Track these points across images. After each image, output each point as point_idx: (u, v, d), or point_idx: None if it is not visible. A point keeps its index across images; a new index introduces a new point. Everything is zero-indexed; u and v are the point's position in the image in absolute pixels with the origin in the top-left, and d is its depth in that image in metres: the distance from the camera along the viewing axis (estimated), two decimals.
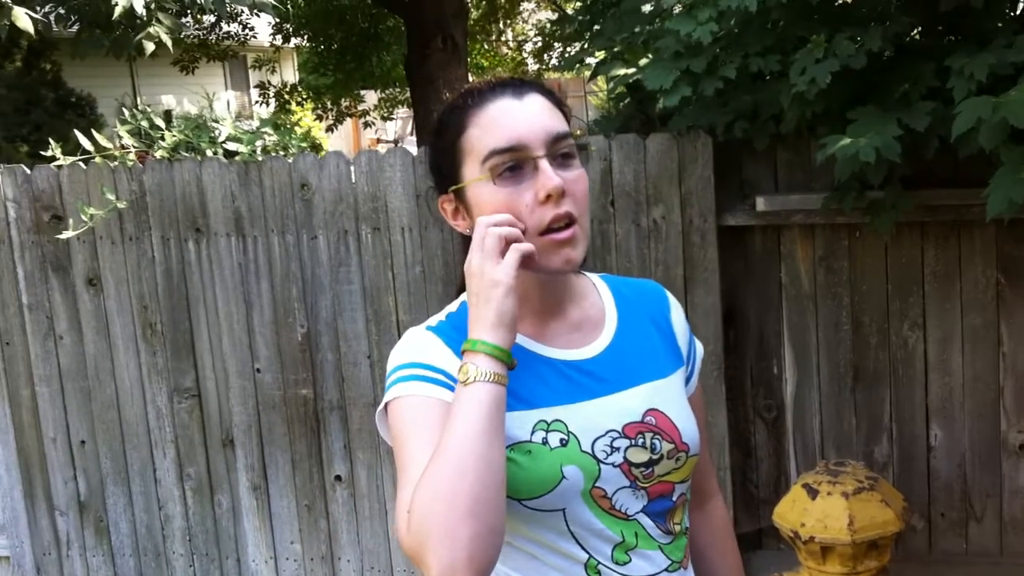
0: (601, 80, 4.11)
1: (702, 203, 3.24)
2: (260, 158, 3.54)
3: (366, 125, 12.53)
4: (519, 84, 1.45)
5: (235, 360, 3.68)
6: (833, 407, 3.31)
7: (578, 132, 3.21)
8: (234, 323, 3.66)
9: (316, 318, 3.57)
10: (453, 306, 1.54)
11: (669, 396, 1.51)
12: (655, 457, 1.45)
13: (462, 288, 1.52)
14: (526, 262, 1.38)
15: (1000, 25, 2.88)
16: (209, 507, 3.81)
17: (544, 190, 1.37)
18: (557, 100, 1.48)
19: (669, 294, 1.63)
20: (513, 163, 1.39)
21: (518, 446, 1.38)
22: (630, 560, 1.44)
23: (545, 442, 1.39)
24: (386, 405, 1.43)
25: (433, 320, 1.52)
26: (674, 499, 1.48)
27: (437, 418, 1.36)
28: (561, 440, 1.40)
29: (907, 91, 2.76)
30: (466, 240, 1.46)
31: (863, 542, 2.84)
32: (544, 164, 1.38)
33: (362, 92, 11.97)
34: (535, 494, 1.38)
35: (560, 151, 1.41)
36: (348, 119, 12.49)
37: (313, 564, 3.74)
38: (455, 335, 1.45)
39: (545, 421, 1.40)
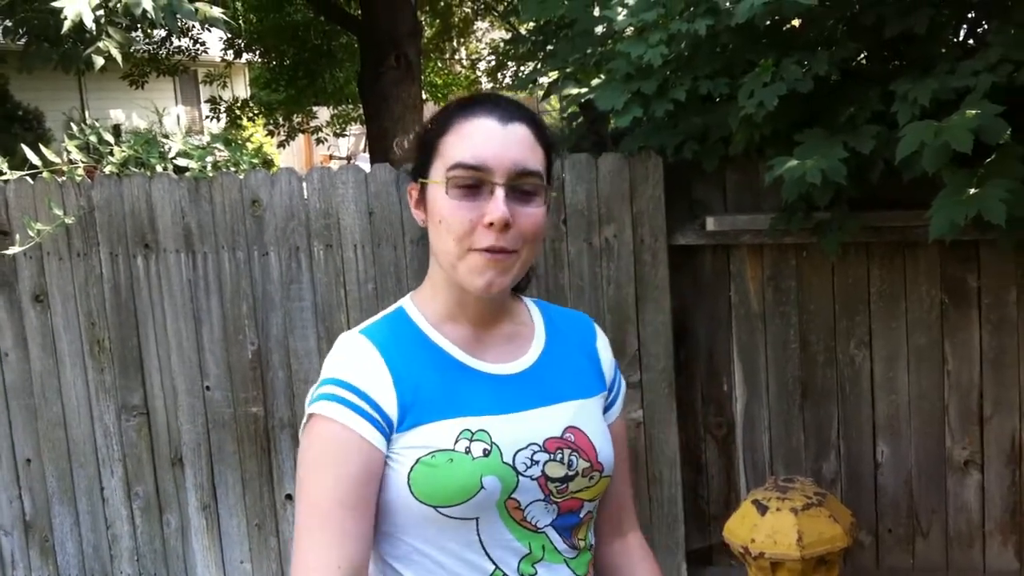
0: (554, 99, 4.14)
1: (653, 223, 3.27)
2: (211, 174, 3.52)
3: (318, 141, 12.47)
4: (511, 110, 1.49)
5: (184, 378, 3.65)
6: (782, 424, 3.36)
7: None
8: (183, 340, 3.63)
9: (267, 335, 3.54)
10: (390, 309, 1.57)
11: (589, 416, 1.56)
12: (571, 473, 1.48)
13: None
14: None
15: (943, 51, 2.95)
16: (158, 527, 3.76)
17: (489, 216, 1.41)
18: (545, 138, 1.51)
19: (597, 327, 1.69)
20: (472, 181, 1.42)
21: (440, 453, 1.41)
22: (536, 572, 1.47)
23: (468, 451, 1.41)
24: (306, 419, 1.45)
25: (371, 321, 1.54)
26: (581, 515, 1.52)
27: (346, 459, 1.39)
28: (484, 450, 1.42)
29: (853, 115, 2.81)
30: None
31: (812, 558, 2.87)
32: (499, 192, 1.41)
33: (314, 108, 11.92)
34: (452, 502, 1.40)
35: (523, 186, 1.44)
36: (300, 135, 12.43)
37: None
38: (394, 347, 1.47)
39: (470, 430, 1.43)
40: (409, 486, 1.40)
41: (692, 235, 3.31)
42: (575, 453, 1.49)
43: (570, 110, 3.53)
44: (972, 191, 2.43)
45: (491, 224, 1.41)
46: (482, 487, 1.40)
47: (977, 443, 3.21)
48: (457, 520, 1.41)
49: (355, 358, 1.45)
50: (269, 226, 3.50)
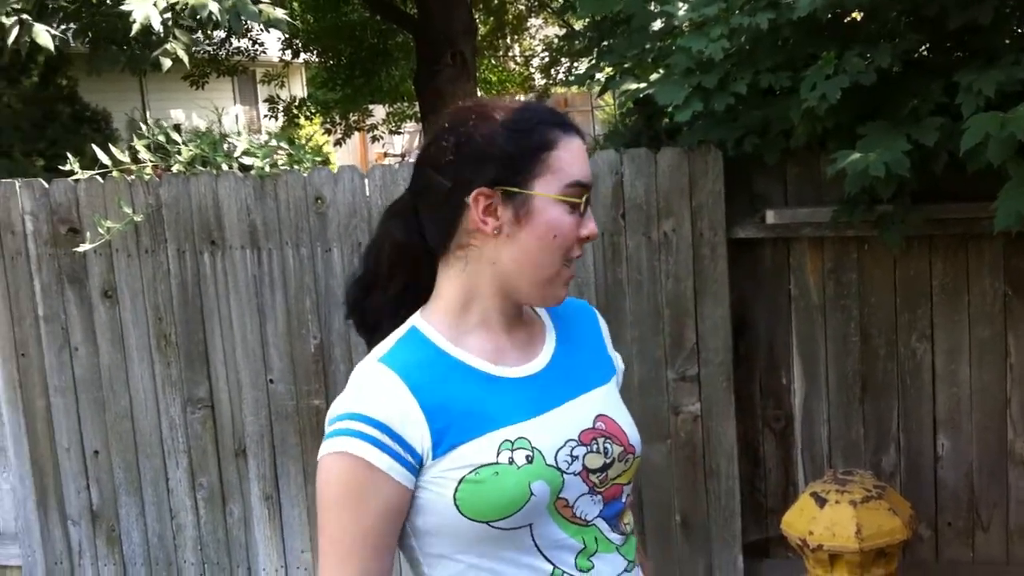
0: (608, 95, 4.15)
1: (712, 216, 3.28)
2: (275, 172, 3.59)
3: (373, 139, 12.58)
4: (577, 127, 1.53)
5: (248, 371, 3.72)
6: (841, 417, 3.35)
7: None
8: (248, 334, 3.70)
9: (329, 329, 3.61)
10: (401, 331, 1.51)
11: (613, 401, 1.59)
12: (608, 461, 1.49)
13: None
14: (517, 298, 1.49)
15: (1008, 42, 2.92)
16: (221, 516, 3.84)
17: (589, 232, 1.48)
18: None
19: (596, 310, 1.71)
20: (584, 199, 1.48)
21: (484, 468, 1.40)
22: (593, 566, 1.48)
23: (511, 461, 1.41)
24: (325, 453, 1.41)
25: (386, 347, 1.49)
26: (623, 500, 1.54)
27: (368, 497, 1.38)
28: (527, 457, 1.42)
29: (916, 107, 2.80)
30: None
31: (871, 550, 2.87)
32: (590, 210, 1.49)
33: (370, 106, 12.03)
34: (505, 514, 1.40)
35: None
36: (356, 133, 12.55)
37: None
38: (418, 372, 1.44)
39: (509, 440, 1.43)
40: (457, 507, 1.39)
41: (752, 228, 3.32)
42: (609, 440, 1.51)
43: (627, 106, 3.55)
44: None
45: (587, 239, 1.48)
46: (532, 494, 1.41)
47: None
48: (511, 531, 1.41)
49: (378, 391, 1.42)
50: (332, 223, 3.56)
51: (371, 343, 1.54)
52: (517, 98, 13.90)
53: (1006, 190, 2.45)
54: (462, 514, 1.40)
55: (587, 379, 1.57)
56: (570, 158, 1.47)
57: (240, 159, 3.66)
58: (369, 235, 3.53)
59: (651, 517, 3.47)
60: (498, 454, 1.41)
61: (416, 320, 1.52)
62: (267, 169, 3.64)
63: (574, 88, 4.61)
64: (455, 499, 1.40)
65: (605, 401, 1.57)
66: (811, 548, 2.93)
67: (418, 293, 1.54)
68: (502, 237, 1.46)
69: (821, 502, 2.97)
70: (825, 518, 2.94)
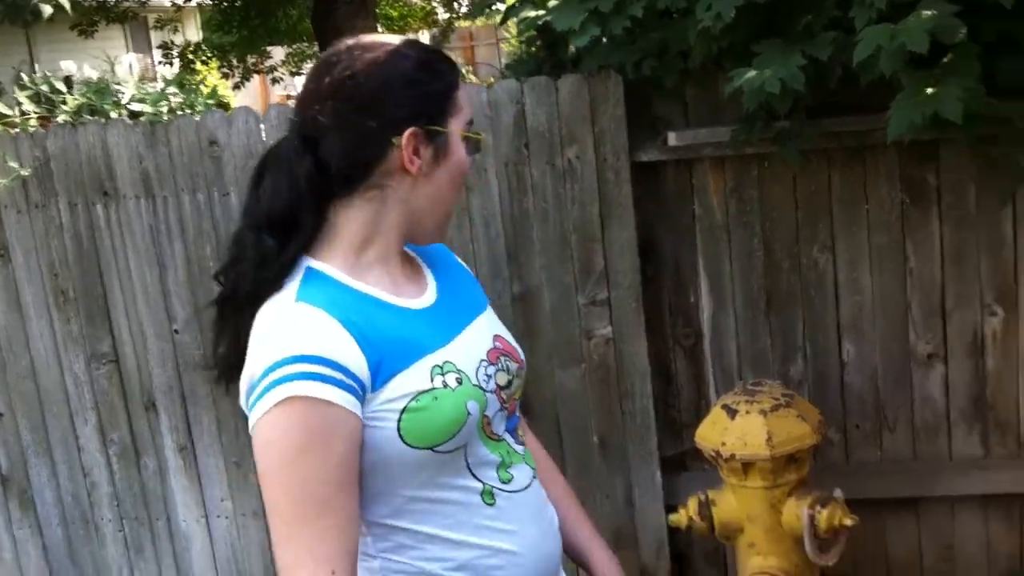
0: (511, 25, 4.11)
1: (615, 141, 3.28)
2: (166, 118, 3.48)
3: (274, 81, 12.26)
4: None
5: (152, 323, 3.64)
6: (749, 331, 3.42)
7: (491, 80, 3.26)
8: (148, 285, 3.61)
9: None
10: (296, 275, 1.46)
11: (498, 321, 1.67)
12: (511, 378, 1.58)
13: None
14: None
15: None
16: (135, 471, 3.77)
17: (468, 170, 1.57)
18: None
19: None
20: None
21: (423, 394, 1.41)
22: (512, 477, 1.54)
23: (445, 384, 1.44)
24: (269, 407, 1.32)
25: (293, 290, 1.43)
26: (518, 414, 1.63)
27: (337, 438, 1.33)
28: (457, 379, 1.46)
29: (810, 22, 2.82)
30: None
31: (781, 456, 2.96)
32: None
33: (269, 48, 11.70)
34: (447, 437, 1.42)
35: None
36: (256, 76, 12.21)
37: (245, 520, 3.75)
38: (338, 307, 1.40)
39: (438, 365, 1.45)
40: (402, 437, 1.39)
41: (654, 151, 3.33)
42: (508, 357, 1.59)
43: (527, 34, 3.51)
44: (929, 91, 2.46)
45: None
46: (469, 413, 1.45)
47: (940, 337, 3.29)
48: (449, 454, 1.45)
49: (310, 327, 1.36)
50: (228, 166, 3.47)
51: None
52: (420, 34, 13.70)
53: (898, 100, 2.49)
54: (407, 443, 1.40)
55: (474, 305, 1.64)
56: (466, 97, 1.52)
57: (129, 106, 3.54)
58: None
59: (569, 440, 3.52)
60: (432, 379, 1.43)
61: (309, 262, 1.48)
62: (159, 115, 3.53)
63: (479, 21, 4.55)
64: (399, 429, 1.39)
65: (493, 321, 1.65)
66: (724, 458, 3.01)
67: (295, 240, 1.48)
68: (421, 176, 1.46)
69: (732, 413, 3.04)
70: (736, 428, 3.01)
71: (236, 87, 11.46)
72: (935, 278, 3.26)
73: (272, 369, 1.32)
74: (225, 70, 11.16)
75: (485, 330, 1.59)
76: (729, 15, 2.68)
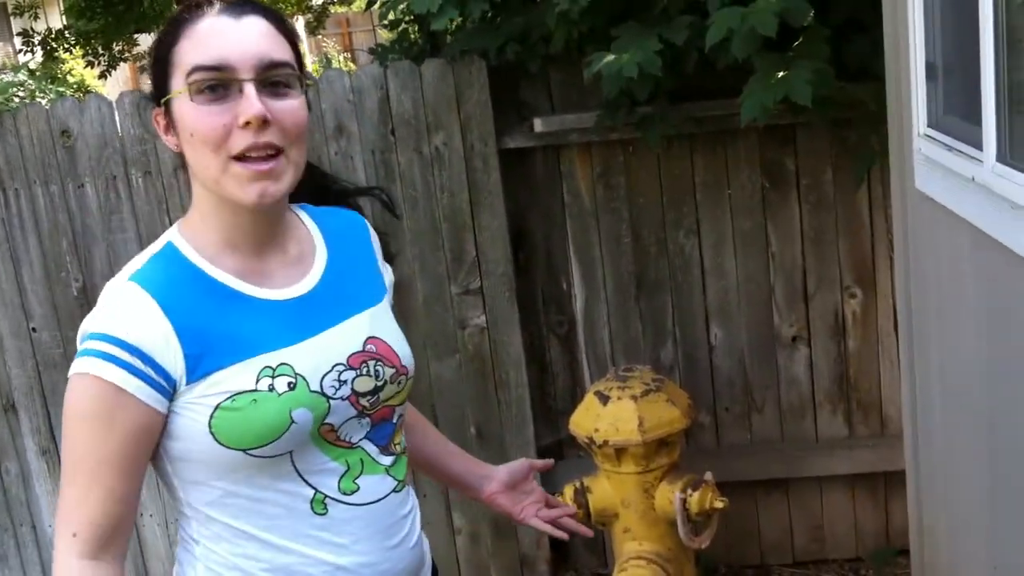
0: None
1: (482, 128, 3.26)
2: (15, 106, 3.33)
3: (142, 70, 11.89)
4: (239, 4, 1.40)
5: (8, 321, 3.49)
6: (620, 317, 3.43)
7: (315, 68, 3.21)
8: (3, 282, 3.46)
9: (91, 271, 3.41)
10: (156, 246, 1.45)
11: (384, 322, 1.55)
12: (379, 384, 1.47)
13: None
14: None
15: None
16: None
17: (244, 116, 1.33)
18: (285, 28, 1.44)
19: (368, 224, 1.64)
20: (215, 82, 1.34)
21: (241, 395, 1.36)
22: (358, 488, 1.46)
23: (272, 388, 1.37)
24: (72, 373, 1.36)
25: (139, 264, 1.42)
26: (394, 422, 1.52)
27: (116, 421, 1.34)
28: (289, 384, 1.38)
29: (667, 6, 2.84)
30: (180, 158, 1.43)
31: (653, 441, 2.98)
32: (249, 89, 1.34)
33: (136, 35, 11.32)
34: (262, 442, 1.37)
35: (273, 79, 1.37)
36: (124, 64, 11.81)
37: None
38: (171, 292, 1.38)
39: (270, 367, 1.38)
40: (212, 434, 1.35)
41: (521, 138, 3.32)
42: (380, 362, 1.48)
43: (390, 17, 3.46)
44: (780, 74, 2.49)
45: (247, 123, 1.33)
46: (293, 421, 1.37)
47: (803, 319, 3.35)
48: (269, 459, 1.38)
49: (128, 311, 1.34)
50: (82, 156, 3.34)
51: None
52: (295, 20, 13.46)
53: (750, 84, 2.52)
54: (217, 441, 1.36)
55: (358, 300, 1.53)
56: (191, 44, 1.37)
57: None
58: (124, 166, 3.35)
59: (446, 431, 3.41)
60: (257, 381, 1.37)
61: (173, 235, 1.44)
62: (7, 103, 3.38)
63: (354, 7, 4.47)
64: (210, 426, 1.35)
65: (376, 323, 1.53)
66: (598, 445, 3.01)
67: None
68: (184, 151, 1.40)
69: (604, 400, 3.05)
70: (609, 415, 3.01)
71: (102, 75, 11.05)
72: (796, 261, 3.32)
73: (85, 340, 1.35)
74: (90, 58, 10.77)
75: (356, 331, 1.49)
76: None
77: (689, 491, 2.98)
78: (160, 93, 1.40)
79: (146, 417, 1.35)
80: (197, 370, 1.35)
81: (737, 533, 3.48)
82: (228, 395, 1.36)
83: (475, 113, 3.24)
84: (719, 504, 2.99)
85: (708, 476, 3.03)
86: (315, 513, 1.43)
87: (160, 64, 1.39)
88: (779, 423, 3.45)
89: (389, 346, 1.51)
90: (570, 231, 3.40)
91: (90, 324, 1.36)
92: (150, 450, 1.39)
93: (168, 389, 1.35)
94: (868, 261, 3.29)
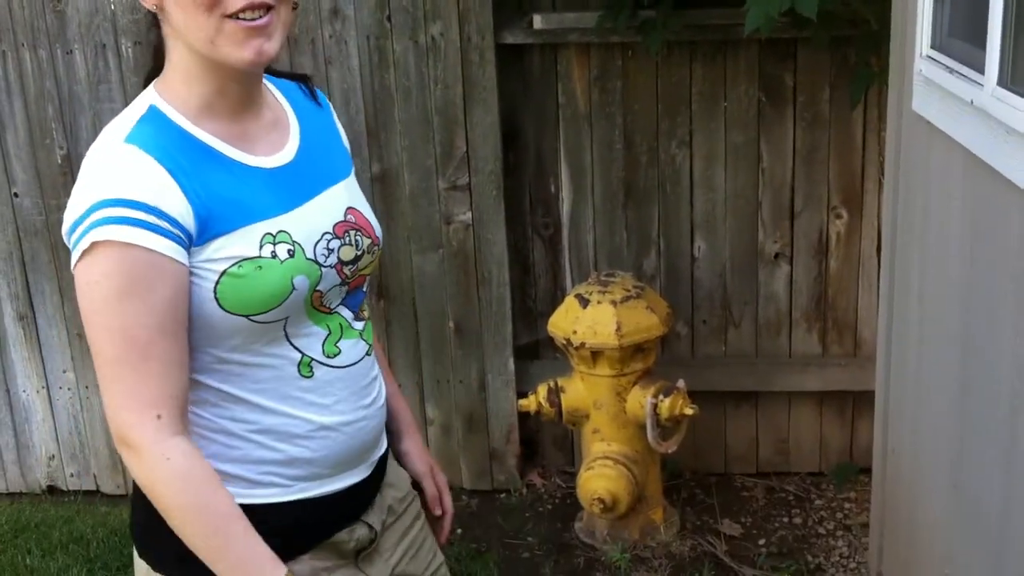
0: None
1: (480, 20, 3.20)
2: None
3: None
4: None
5: None
6: (606, 223, 3.44)
7: None
8: None
9: (76, 139, 3.36)
10: (138, 109, 1.40)
11: (357, 193, 1.60)
12: (359, 253, 1.52)
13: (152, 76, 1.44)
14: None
15: None
16: None
17: None
18: None
19: (327, 99, 1.66)
20: None
21: (247, 261, 1.37)
22: (339, 351, 1.51)
23: (274, 255, 1.39)
24: (85, 250, 1.29)
25: (128, 126, 1.37)
26: (365, 290, 1.59)
27: (158, 284, 1.30)
28: (289, 251, 1.40)
29: None
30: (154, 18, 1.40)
31: (629, 346, 3.01)
32: None
33: None
34: (265, 309, 1.39)
35: None
36: None
37: (88, 392, 3.64)
38: (169, 154, 1.35)
39: (271, 234, 1.40)
40: (217, 300, 1.36)
41: (520, 34, 3.27)
42: (359, 232, 1.52)
43: None
44: None
45: None
46: (293, 288, 1.40)
47: (787, 237, 3.37)
48: (267, 324, 1.41)
49: (135, 172, 1.31)
50: (72, 22, 3.27)
51: None
52: None
53: None
54: (221, 307, 1.37)
55: (333, 172, 1.56)
56: None
57: None
58: (115, 35, 3.28)
59: (425, 325, 3.51)
60: (260, 247, 1.38)
61: (153, 97, 1.40)
62: None
63: None
64: (215, 292, 1.36)
65: (351, 194, 1.57)
66: (575, 346, 3.05)
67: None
68: (164, 10, 1.36)
69: (584, 303, 3.08)
70: (588, 318, 3.04)
71: None
72: (786, 178, 3.32)
73: (94, 209, 1.29)
74: None
75: (338, 201, 1.52)
76: None
77: (661, 396, 3.03)
78: None
79: (182, 276, 1.33)
80: (204, 233, 1.35)
81: (704, 441, 3.54)
82: (234, 261, 1.36)
83: (474, 5, 3.18)
84: (689, 411, 3.04)
85: (680, 384, 3.08)
86: (302, 376, 1.46)
87: None
88: (755, 338, 3.49)
89: (365, 216, 1.56)
90: (562, 133, 3.38)
91: (94, 192, 1.30)
92: (187, 311, 1.36)
93: (188, 246, 1.34)
94: (857, 183, 3.29)
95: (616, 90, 3.31)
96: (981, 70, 1.89)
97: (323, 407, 1.49)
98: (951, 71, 2.08)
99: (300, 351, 1.46)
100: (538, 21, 3.20)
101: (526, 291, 3.56)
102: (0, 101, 3.37)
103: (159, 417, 1.32)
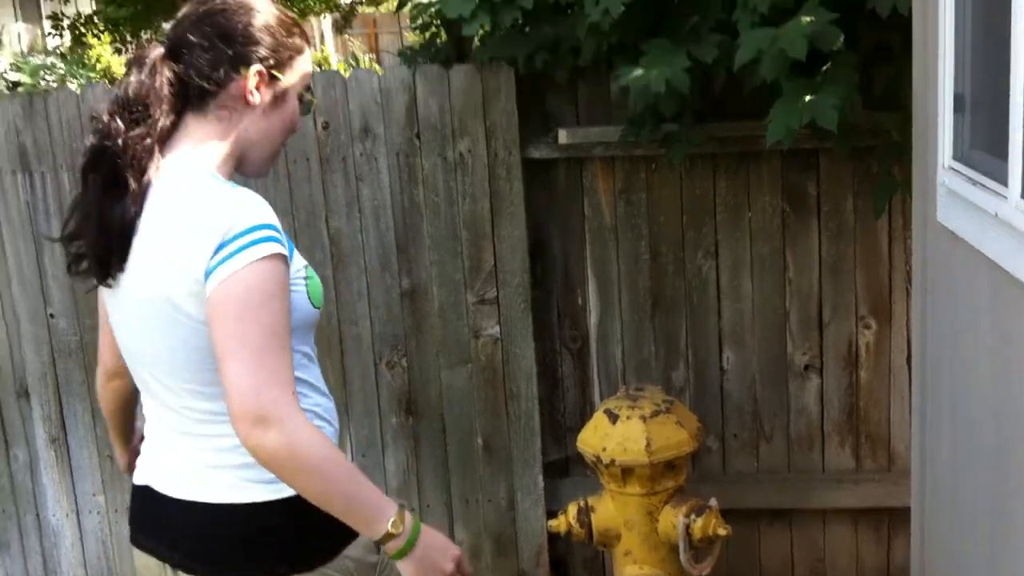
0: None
1: (506, 136, 3.26)
2: (47, 90, 3.36)
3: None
4: None
5: (26, 305, 3.50)
6: (634, 335, 3.42)
7: (341, 66, 3.26)
8: (24, 266, 3.48)
9: None
10: (203, 176, 1.69)
11: None
12: None
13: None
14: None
15: None
16: (3, 462, 3.62)
17: (298, 125, 1.85)
18: None
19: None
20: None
21: (308, 267, 1.77)
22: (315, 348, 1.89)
23: (307, 265, 1.79)
24: (255, 259, 1.59)
25: (221, 181, 1.70)
26: None
27: (287, 290, 1.65)
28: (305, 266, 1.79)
29: (697, 24, 2.83)
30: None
31: (660, 463, 2.95)
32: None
33: (164, 24, 11.38)
34: (321, 302, 1.79)
35: None
36: None
37: (118, 516, 3.61)
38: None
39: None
40: (310, 298, 1.73)
41: (546, 148, 3.31)
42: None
43: (420, 21, 3.47)
44: (808, 98, 2.48)
45: (294, 130, 1.83)
46: (322, 286, 1.83)
47: (816, 348, 3.33)
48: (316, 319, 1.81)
49: (265, 205, 1.65)
50: None
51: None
52: (322, 18, 13.56)
53: (778, 105, 2.51)
54: (312, 304, 1.74)
55: None
56: (308, 66, 1.81)
57: (6, 75, 3.41)
58: None
59: (454, 441, 3.48)
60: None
61: (201, 168, 1.68)
62: (39, 87, 3.40)
63: (382, 8, 4.49)
64: (308, 292, 1.73)
65: None
66: (605, 464, 2.99)
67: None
68: (257, 112, 1.72)
69: (613, 418, 3.03)
70: (617, 434, 2.99)
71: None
72: (813, 288, 3.30)
73: (255, 229, 1.59)
74: (118, 45, 10.82)
75: None
76: (617, 11, 2.67)
77: (693, 516, 2.95)
78: (274, 65, 1.72)
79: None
80: (291, 253, 1.69)
81: (738, 561, 3.45)
82: (305, 266, 1.76)
83: (501, 121, 3.24)
84: (722, 531, 2.96)
85: (713, 502, 3.00)
86: (313, 364, 1.81)
87: (288, 52, 1.74)
88: (787, 452, 3.42)
89: None
90: (588, 245, 3.39)
91: (250, 215, 1.60)
92: None
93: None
94: (885, 292, 3.26)
95: (641, 202, 3.33)
96: (1004, 182, 1.88)
97: (325, 391, 1.84)
98: (974, 183, 2.07)
99: (311, 347, 1.82)
100: (563, 136, 3.25)
101: (554, 405, 3.53)
102: (39, 222, 3.44)
103: (294, 394, 1.58)
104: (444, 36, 3.44)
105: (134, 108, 1.65)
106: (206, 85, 1.67)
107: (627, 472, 2.98)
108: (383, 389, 3.46)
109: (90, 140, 1.68)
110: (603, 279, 3.41)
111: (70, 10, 10.99)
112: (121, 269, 1.67)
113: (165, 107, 1.66)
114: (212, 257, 1.58)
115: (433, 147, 3.29)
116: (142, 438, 1.89)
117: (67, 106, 3.36)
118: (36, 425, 3.59)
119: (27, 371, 3.55)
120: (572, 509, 3.10)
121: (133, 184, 1.62)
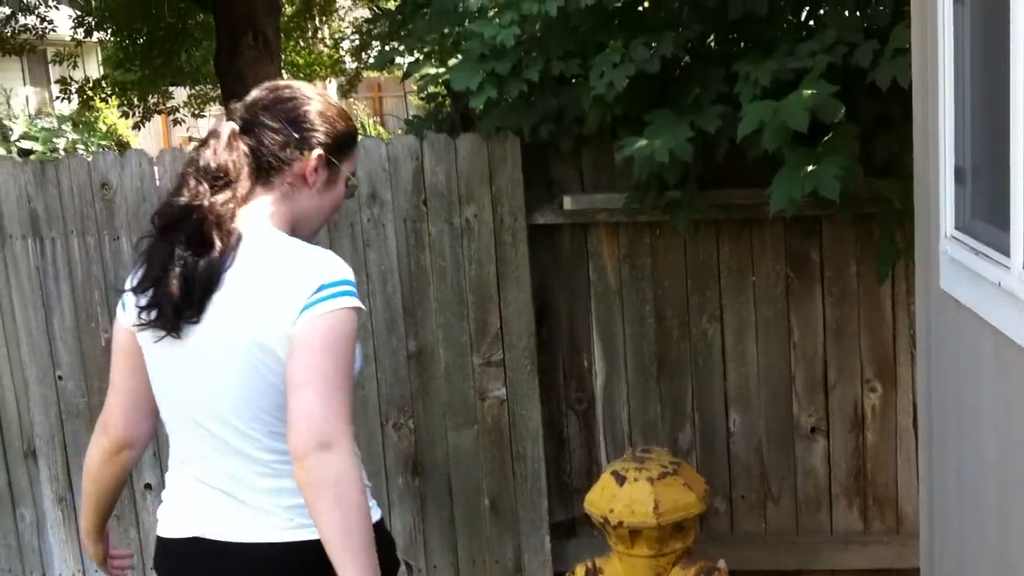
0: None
1: (512, 202, 3.31)
2: (58, 157, 3.41)
3: (176, 123, 12.06)
4: None
5: (35, 367, 3.53)
6: (640, 397, 3.45)
7: (399, 132, 3.34)
8: (33, 329, 3.51)
9: None
10: (282, 235, 1.87)
11: None
12: None
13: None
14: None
15: (783, 33, 3.05)
16: (11, 522, 3.63)
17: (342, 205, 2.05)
18: None
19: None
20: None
21: None
22: None
23: None
24: (345, 307, 1.76)
25: (305, 243, 1.88)
26: None
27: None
28: None
29: (699, 96, 2.90)
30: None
31: (668, 524, 2.96)
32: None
33: (171, 88, 11.53)
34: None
35: None
36: (157, 117, 12.01)
37: None
38: None
39: None
40: (360, 356, 1.86)
41: (550, 214, 3.37)
42: None
43: (428, 90, 3.54)
44: (810, 168, 2.53)
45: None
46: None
47: (822, 410, 3.36)
48: None
49: (344, 262, 1.84)
50: (120, 210, 3.41)
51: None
52: (327, 82, 13.72)
53: (780, 175, 2.56)
54: (360, 360, 1.88)
55: None
56: (359, 151, 2.03)
57: (19, 143, 3.46)
58: None
59: (460, 502, 3.49)
60: None
61: (277, 230, 1.86)
62: (50, 153, 3.46)
63: (386, 72, 4.56)
64: (360, 349, 1.87)
65: None
66: (612, 525, 3.00)
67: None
68: (313, 190, 1.90)
69: (621, 480, 3.04)
70: (625, 495, 3.00)
71: (136, 127, 11.24)
72: (818, 352, 3.34)
73: (346, 282, 1.79)
74: (125, 108, 10.95)
75: None
76: (622, 84, 2.74)
77: None
78: (333, 152, 1.91)
79: None
80: None
81: None
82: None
83: (506, 188, 3.30)
84: None
85: (721, 564, 3.01)
86: None
87: (345, 139, 1.94)
88: (794, 513, 3.43)
89: None
90: (594, 309, 3.43)
91: (338, 271, 1.79)
92: None
93: None
94: (889, 355, 3.30)
95: (646, 266, 3.37)
96: (1006, 252, 1.92)
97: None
98: (976, 252, 2.11)
99: None
100: (568, 202, 3.30)
101: (561, 466, 3.54)
102: (48, 286, 3.48)
103: (352, 431, 1.73)
104: (449, 105, 3.51)
105: (217, 175, 1.82)
106: (274, 162, 1.86)
107: (635, 534, 2.99)
108: (390, 450, 3.48)
109: (180, 200, 1.80)
110: (609, 342, 3.44)
111: (78, 74, 11.11)
112: (196, 320, 1.77)
113: (244, 178, 1.83)
114: (307, 299, 1.75)
115: (440, 213, 3.35)
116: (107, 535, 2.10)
117: (78, 173, 3.41)
118: (43, 485, 3.60)
119: (35, 432, 3.57)
120: (580, 570, 3.11)
121: (219, 243, 1.76)
